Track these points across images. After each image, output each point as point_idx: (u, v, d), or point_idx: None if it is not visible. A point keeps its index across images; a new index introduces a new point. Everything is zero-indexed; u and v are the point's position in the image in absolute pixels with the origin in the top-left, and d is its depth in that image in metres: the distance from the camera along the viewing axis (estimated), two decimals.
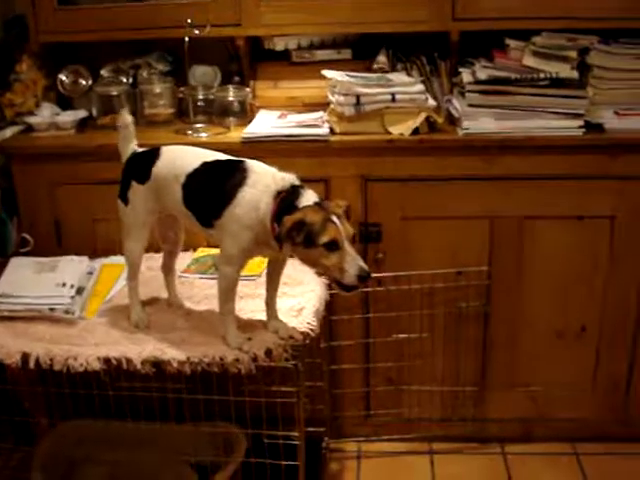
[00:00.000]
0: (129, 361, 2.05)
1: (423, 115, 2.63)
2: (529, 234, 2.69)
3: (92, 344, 2.15)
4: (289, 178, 1.97)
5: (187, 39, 2.70)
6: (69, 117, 2.96)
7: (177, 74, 3.03)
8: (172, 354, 2.05)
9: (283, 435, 2.17)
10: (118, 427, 2.53)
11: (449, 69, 2.88)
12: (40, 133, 2.90)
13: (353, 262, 1.82)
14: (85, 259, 2.55)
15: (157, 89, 2.92)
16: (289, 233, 1.84)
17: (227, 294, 2.07)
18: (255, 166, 2.01)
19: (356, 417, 2.96)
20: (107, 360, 2.06)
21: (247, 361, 2.02)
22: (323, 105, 2.82)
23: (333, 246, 1.82)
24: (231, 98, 2.89)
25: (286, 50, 3.00)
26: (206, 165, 2.07)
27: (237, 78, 3.04)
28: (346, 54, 2.99)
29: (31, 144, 2.81)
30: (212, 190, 2.00)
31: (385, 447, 2.96)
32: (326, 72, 2.75)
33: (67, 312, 2.26)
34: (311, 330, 2.17)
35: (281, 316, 2.19)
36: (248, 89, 2.93)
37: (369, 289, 2.74)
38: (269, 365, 2.01)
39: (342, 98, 2.61)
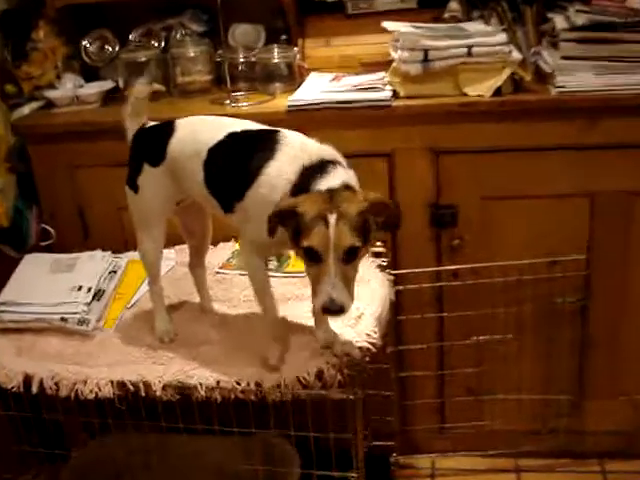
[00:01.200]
0: (148, 386, 1.68)
1: (507, 71, 2.16)
2: (637, 214, 2.24)
3: (106, 363, 1.80)
4: (321, 150, 1.58)
5: None
6: (93, 89, 2.60)
7: (214, 35, 2.61)
8: (199, 377, 1.68)
9: (339, 476, 1.76)
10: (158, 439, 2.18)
11: (535, 15, 2.41)
12: (61, 109, 2.55)
13: (326, 286, 1.41)
14: (108, 255, 2.19)
15: (191, 52, 2.53)
16: (274, 221, 1.50)
17: (262, 289, 1.72)
18: (288, 136, 1.61)
19: (429, 430, 2.58)
20: (122, 384, 1.69)
21: (291, 386, 1.61)
22: (385, 65, 2.38)
23: (312, 255, 1.45)
24: (276, 60, 2.48)
25: (340, 0, 2.55)
26: (233, 137, 1.68)
27: (284, 37, 2.62)
28: (411, 2, 2.55)
29: (47, 121, 2.47)
30: (236, 167, 1.63)
31: (463, 463, 2.59)
32: (387, 24, 2.30)
33: (81, 323, 1.91)
34: (372, 344, 1.74)
35: (336, 325, 1.78)
36: (296, 49, 2.52)
37: (443, 283, 2.31)
38: (319, 394, 1.60)
39: (407, 54, 2.16)
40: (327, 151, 1.58)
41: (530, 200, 2.24)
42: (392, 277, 2.11)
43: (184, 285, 2.10)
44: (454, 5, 2.42)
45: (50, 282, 2.06)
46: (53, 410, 1.88)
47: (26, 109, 2.58)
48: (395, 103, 2.19)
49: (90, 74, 2.71)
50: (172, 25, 2.67)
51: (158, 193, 1.78)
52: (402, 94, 2.22)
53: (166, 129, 1.77)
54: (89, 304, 1.97)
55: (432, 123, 2.19)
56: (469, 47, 2.16)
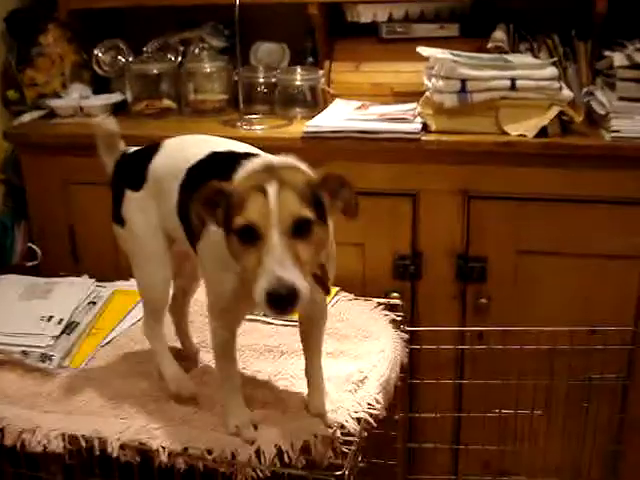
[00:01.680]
0: (104, 443, 1.42)
1: (554, 110, 1.90)
2: None
3: (65, 410, 1.54)
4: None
5: (238, 2, 2.06)
6: (99, 101, 2.39)
7: (235, 52, 2.39)
8: (164, 439, 1.40)
9: None
10: None
11: (590, 52, 2.15)
12: (64, 119, 2.34)
13: (270, 267, 1.10)
14: (90, 283, 1.95)
15: (207, 68, 2.31)
16: (198, 207, 1.21)
17: (220, 357, 1.44)
18: (259, 158, 1.31)
19: None
20: (74, 438, 1.43)
21: (270, 460, 1.34)
22: (419, 95, 2.12)
23: (249, 235, 1.14)
24: (299, 82, 2.25)
25: (374, 23, 2.33)
26: (214, 157, 1.42)
27: (310, 59, 2.39)
28: (452, 30, 2.30)
29: (43, 131, 2.26)
30: None
31: None
32: (422, 49, 2.06)
33: (43, 359, 1.67)
34: (373, 416, 1.47)
35: (333, 389, 1.51)
36: (321, 72, 2.28)
37: (465, 346, 2.02)
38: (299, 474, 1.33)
39: (442, 83, 1.91)
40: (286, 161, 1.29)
41: (572, 258, 1.96)
42: (407, 335, 1.83)
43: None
44: (500, 35, 2.17)
45: (20, 308, 1.84)
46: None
47: (27, 117, 2.38)
48: (425, 137, 1.94)
49: (100, 86, 2.51)
50: (191, 39, 2.46)
51: (146, 220, 1.52)
52: (433, 128, 1.97)
53: (150, 150, 1.53)
54: (57, 338, 1.72)
55: (465, 163, 1.93)
56: (513, 80, 1.91)
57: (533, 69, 1.92)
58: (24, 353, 1.68)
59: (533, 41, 2.20)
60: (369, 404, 1.49)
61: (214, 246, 1.28)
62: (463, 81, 1.90)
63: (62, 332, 1.75)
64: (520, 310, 2.00)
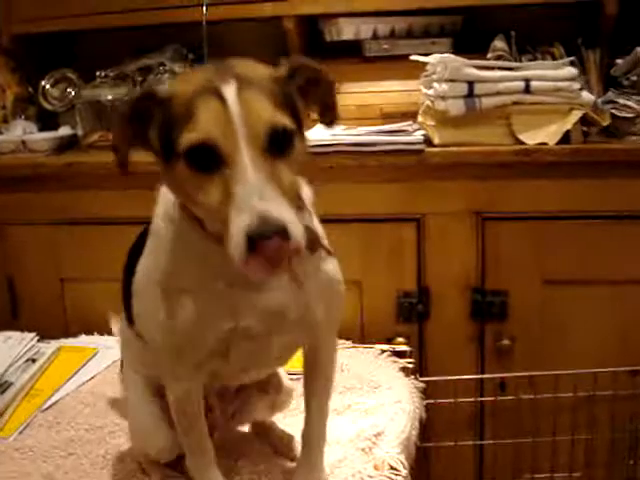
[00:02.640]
0: None
1: (577, 114, 1.65)
2: None
3: None
4: None
5: (204, 23, 1.82)
6: (46, 135, 2.07)
7: None
8: None
9: None
10: None
11: (600, 61, 1.90)
12: (3, 156, 2.01)
13: (245, 201, 0.80)
14: (30, 338, 1.59)
15: None
16: (121, 125, 0.91)
17: (181, 423, 1.06)
18: None
19: None
20: None
21: None
22: (412, 116, 1.84)
23: (205, 158, 0.83)
24: None
25: (356, 42, 2.09)
26: None
27: None
28: (445, 45, 2.05)
29: None
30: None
31: None
32: (417, 57, 1.79)
33: None
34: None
35: (342, 449, 1.16)
36: None
37: (485, 398, 1.69)
38: None
39: (446, 86, 1.65)
40: None
41: (609, 286, 1.68)
42: (423, 385, 1.50)
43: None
44: (500, 44, 1.93)
45: None
46: None
47: None
48: (429, 149, 1.65)
49: (47, 123, 2.20)
50: (150, 65, 2.17)
51: None
52: (436, 141, 1.69)
53: None
54: None
55: (477, 178, 1.65)
56: (527, 81, 1.65)
57: (549, 69, 1.67)
58: None
59: (536, 52, 1.97)
60: (391, 466, 1.14)
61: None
62: (470, 84, 1.64)
63: None
64: (549, 351, 1.70)
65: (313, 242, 0.97)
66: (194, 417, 1.05)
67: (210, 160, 0.82)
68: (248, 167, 0.80)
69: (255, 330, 0.96)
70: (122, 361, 1.26)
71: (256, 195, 0.79)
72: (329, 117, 0.97)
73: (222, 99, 0.82)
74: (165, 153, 0.87)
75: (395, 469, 1.14)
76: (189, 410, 1.04)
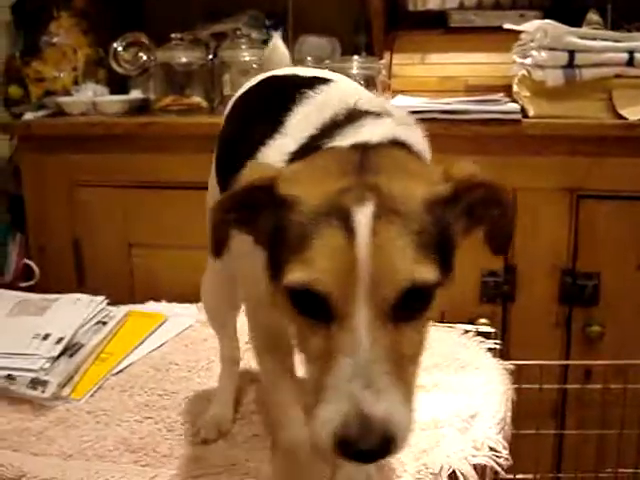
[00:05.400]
0: None
1: None
2: None
3: (61, 454, 1.11)
4: (363, 99, 0.84)
5: None
6: (117, 98, 2.02)
7: None
8: None
9: None
10: None
11: None
12: (74, 119, 1.96)
13: (346, 381, 0.63)
14: (99, 301, 1.53)
15: (245, 57, 1.94)
16: (222, 218, 0.75)
17: (276, 403, 0.96)
18: (335, 85, 0.90)
19: None
20: None
21: None
22: (501, 90, 1.74)
23: (311, 303, 0.67)
24: (355, 71, 1.87)
25: (441, 12, 1.99)
26: (265, 84, 1.01)
27: (364, 54, 2.04)
28: (533, 18, 1.93)
29: (49, 127, 1.88)
30: (240, 138, 0.93)
31: None
32: (510, 25, 1.70)
33: (35, 385, 1.24)
34: (498, 463, 1.04)
35: (438, 429, 1.08)
36: (382, 61, 1.92)
37: (570, 385, 1.60)
38: None
39: (545, 55, 1.56)
40: (373, 101, 0.85)
41: None
42: (512, 367, 1.41)
43: (203, 352, 1.44)
44: (594, 17, 1.82)
45: (6, 325, 1.42)
46: None
47: (29, 117, 2.01)
48: (526, 120, 1.56)
49: (117, 87, 2.16)
50: (225, 31, 2.11)
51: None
52: (531, 113, 1.60)
53: None
54: (55, 360, 1.30)
55: (575, 153, 1.55)
56: (631, 53, 1.55)
57: None
58: (9, 378, 1.25)
59: (631, 28, 1.85)
60: (490, 448, 1.06)
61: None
62: (571, 53, 1.55)
63: (61, 354, 1.33)
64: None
65: None
66: (279, 384, 0.95)
67: (317, 307, 0.66)
68: (362, 336, 0.63)
69: None
70: None
71: (362, 380, 0.62)
72: (499, 247, 0.79)
73: (350, 231, 0.64)
74: (272, 266, 0.71)
75: (495, 450, 1.06)
76: (271, 378, 0.96)
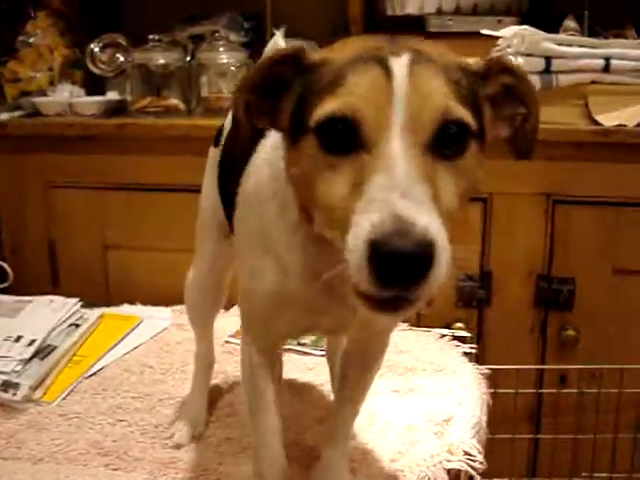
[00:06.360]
0: None
1: None
2: None
3: (32, 458, 1.09)
4: None
5: None
6: (93, 99, 2.00)
7: (255, 49, 2.04)
8: None
9: None
10: None
11: None
12: (50, 119, 1.94)
13: (382, 194, 0.59)
14: (73, 303, 1.52)
15: (224, 59, 1.94)
16: (249, 94, 0.73)
17: (249, 389, 0.94)
18: None
19: None
20: None
21: None
22: None
23: (342, 138, 0.64)
24: None
25: (419, 16, 2.00)
26: None
27: None
28: (510, 24, 1.94)
29: (25, 127, 1.85)
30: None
31: None
32: (488, 31, 1.71)
33: (5, 388, 1.22)
34: (472, 467, 1.04)
35: (413, 432, 1.08)
36: None
37: (544, 390, 1.61)
38: None
39: (522, 60, 1.57)
40: None
41: None
42: (488, 371, 1.41)
43: (177, 355, 1.43)
44: (571, 24, 1.84)
45: None
46: None
47: (4, 117, 1.99)
48: None
49: (95, 87, 2.14)
50: (203, 34, 2.11)
51: (211, 187, 1.10)
52: None
53: None
54: (26, 362, 1.28)
55: (551, 159, 1.55)
56: (607, 59, 1.56)
57: (631, 48, 1.58)
58: None
59: (608, 34, 1.87)
60: (466, 452, 1.06)
61: (252, 196, 0.84)
62: (548, 59, 1.56)
63: (33, 356, 1.31)
64: (616, 346, 1.60)
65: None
66: (262, 388, 0.93)
67: (347, 138, 0.64)
68: (397, 157, 0.61)
69: (326, 326, 0.90)
70: None
71: (398, 190, 0.59)
72: (523, 146, 0.78)
73: (387, 69, 0.64)
74: (294, 130, 0.70)
75: (470, 454, 1.06)
76: (258, 383, 0.93)
